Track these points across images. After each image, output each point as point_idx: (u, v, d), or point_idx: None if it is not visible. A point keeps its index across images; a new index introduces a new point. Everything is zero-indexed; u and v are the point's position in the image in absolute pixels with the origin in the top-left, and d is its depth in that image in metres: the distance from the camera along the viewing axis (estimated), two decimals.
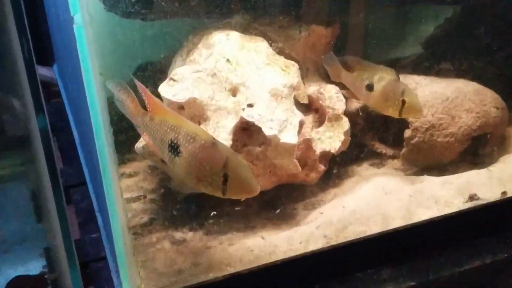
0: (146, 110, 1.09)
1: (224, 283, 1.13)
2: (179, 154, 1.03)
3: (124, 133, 1.19)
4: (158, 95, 1.20)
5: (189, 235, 1.22)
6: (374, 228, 1.23)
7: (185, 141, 1.03)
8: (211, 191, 1.03)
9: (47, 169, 1.12)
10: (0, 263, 1.11)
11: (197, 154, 1.01)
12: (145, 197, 1.28)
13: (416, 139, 1.37)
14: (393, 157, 1.41)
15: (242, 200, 1.22)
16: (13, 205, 1.18)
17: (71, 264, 1.07)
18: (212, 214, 1.24)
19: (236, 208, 1.26)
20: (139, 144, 1.22)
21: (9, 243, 1.12)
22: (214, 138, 1.03)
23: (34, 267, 1.10)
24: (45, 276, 1.08)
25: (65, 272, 1.08)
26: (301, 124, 1.27)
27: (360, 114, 1.37)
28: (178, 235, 1.21)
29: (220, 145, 1.03)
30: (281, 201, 1.29)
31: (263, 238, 1.21)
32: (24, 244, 1.13)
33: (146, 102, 1.09)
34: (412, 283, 1.21)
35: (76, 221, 1.31)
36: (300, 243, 1.20)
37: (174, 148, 1.04)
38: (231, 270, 1.14)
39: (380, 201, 1.28)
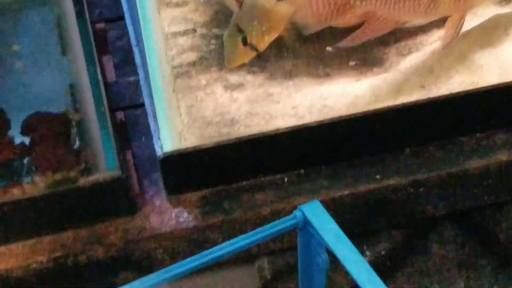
0: None
1: (287, 136, 1.14)
2: None
3: None
4: None
5: (247, 78, 1.22)
6: (488, 79, 1.20)
7: None
8: None
9: None
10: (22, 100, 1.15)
11: None
12: (194, 31, 1.28)
13: None
14: None
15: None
16: (36, 33, 1.21)
17: (97, 103, 1.11)
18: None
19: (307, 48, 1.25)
20: None
21: (32, 75, 1.16)
22: None
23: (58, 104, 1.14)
24: (69, 116, 1.12)
25: (91, 113, 1.11)
26: None
27: None
28: (234, 78, 1.22)
29: None
30: (367, 42, 1.25)
31: (340, 85, 1.21)
32: (47, 79, 1.17)
33: None
34: None
35: (111, 62, 1.34)
36: (389, 93, 1.19)
37: None
38: (296, 121, 1.15)
39: (500, 45, 1.24)
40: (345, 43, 1.18)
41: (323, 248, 1.03)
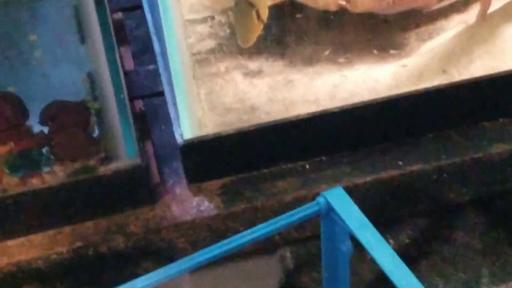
0: None
1: (308, 122, 1.12)
2: None
3: None
4: None
5: (267, 65, 1.20)
6: (510, 63, 1.17)
7: None
8: None
9: None
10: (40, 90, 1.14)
11: None
12: (213, 18, 1.26)
13: None
14: None
15: None
16: (54, 23, 1.19)
17: (117, 91, 1.08)
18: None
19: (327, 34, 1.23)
20: None
21: (49, 64, 1.14)
22: None
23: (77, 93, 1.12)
24: (88, 105, 1.10)
25: (111, 101, 1.09)
26: None
27: None
28: (253, 65, 1.20)
29: None
30: (387, 27, 1.25)
31: (360, 71, 1.19)
32: (66, 68, 1.15)
33: None
34: None
35: (129, 52, 1.32)
36: (410, 78, 1.17)
37: None
38: (317, 108, 1.13)
39: None
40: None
41: (346, 235, 1.00)
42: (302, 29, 1.23)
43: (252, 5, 1.11)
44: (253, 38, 1.14)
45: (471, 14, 1.27)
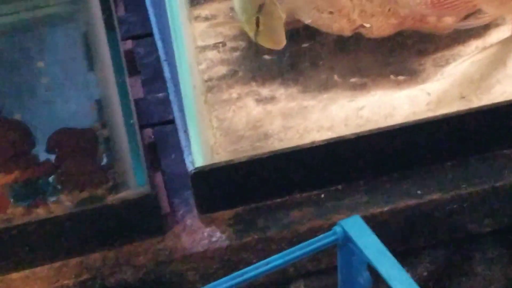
0: None
1: (323, 150, 1.09)
2: None
3: None
4: None
5: (280, 91, 1.18)
6: None
7: None
8: None
9: (99, 6, 1.10)
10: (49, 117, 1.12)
11: None
12: (224, 44, 1.25)
13: None
14: None
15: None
16: (63, 50, 1.18)
17: (126, 118, 1.06)
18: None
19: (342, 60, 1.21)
20: None
21: (57, 91, 1.13)
22: None
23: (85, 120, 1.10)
24: (97, 132, 1.08)
25: (120, 128, 1.06)
26: None
27: None
28: (266, 91, 1.18)
29: None
30: (403, 52, 1.22)
31: (376, 96, 1.16)
32: (75, 95, 1.14)
33: None
34: None
35: (139, 80, 1.30)
36: (428, 104, 1.14)
37: None
38: (332, 134, 1.10)
39: None
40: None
41: (364, 265, 0.96)
42: (316, 54, 1.21)
43: (276, 4, 1.09)
44: (284, 37, 1.10)
45: (489, 39, 1.24)
